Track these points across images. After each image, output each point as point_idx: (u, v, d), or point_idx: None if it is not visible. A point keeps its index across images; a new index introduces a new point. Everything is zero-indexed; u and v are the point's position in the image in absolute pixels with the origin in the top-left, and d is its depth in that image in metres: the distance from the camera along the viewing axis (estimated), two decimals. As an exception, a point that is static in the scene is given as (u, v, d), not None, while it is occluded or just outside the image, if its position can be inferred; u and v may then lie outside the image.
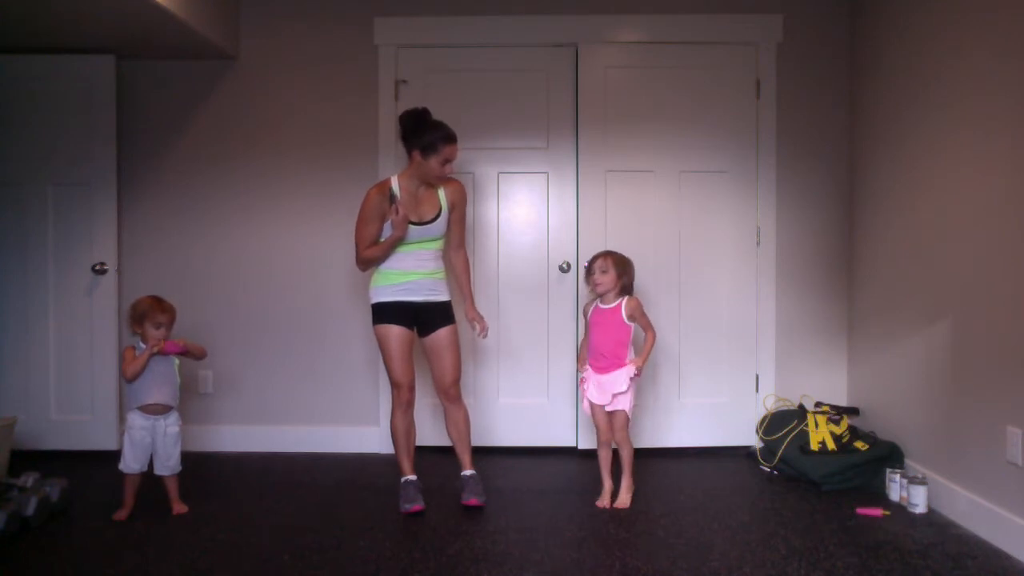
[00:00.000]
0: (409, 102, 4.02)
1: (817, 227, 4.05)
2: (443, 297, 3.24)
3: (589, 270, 3.28)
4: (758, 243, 4.05)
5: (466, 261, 3.39)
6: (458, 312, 3.33)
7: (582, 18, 4.02)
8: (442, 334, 3.21)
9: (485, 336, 3.39)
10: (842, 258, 4.05)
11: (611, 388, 3.18)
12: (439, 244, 3.25)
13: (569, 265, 4.05)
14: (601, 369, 3.21)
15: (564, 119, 4.05)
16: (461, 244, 3.36)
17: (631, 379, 3.17)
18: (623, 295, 3.24)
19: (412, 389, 3.24)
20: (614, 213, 4.04)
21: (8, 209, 3.97)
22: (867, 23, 3.84)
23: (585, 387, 3.28)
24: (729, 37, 4.00)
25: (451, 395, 3.24)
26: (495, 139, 4.07)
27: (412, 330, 3.22)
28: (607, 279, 3.21)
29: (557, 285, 4.08)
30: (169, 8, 3.32)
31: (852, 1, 3.98)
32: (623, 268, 3.25)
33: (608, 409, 3.22)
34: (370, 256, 3.16)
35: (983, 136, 2.87)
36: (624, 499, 3.21)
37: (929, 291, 3.23)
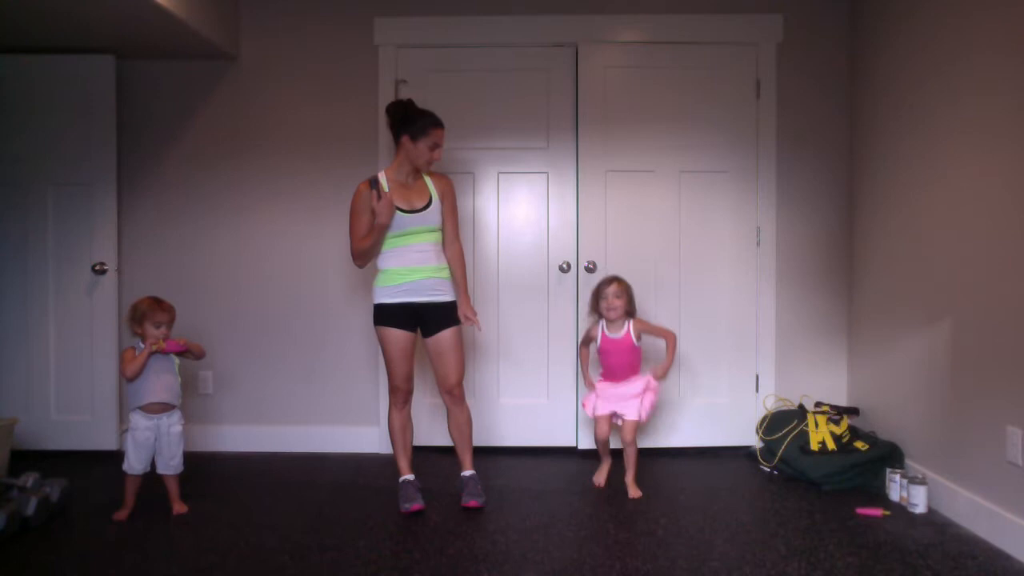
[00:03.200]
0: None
1: (817, 227, 4.05)
2: (447, 297, 3.22)
3: (600, 293, 3.41)
4: (758, 243, 4.05)
5: (461, 254, 3.32)
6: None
7: (582, 18, 4.02)
8: (446, 335, 3.19)
9: (479, 329, 3.60)
10: (842, 258, 4.05)
11: (628, 392, 3.38)
12: (439, 237, 3.24)
13: (569, 265, 4.05)
14: (616, 379, 3.43)
15: (564, 119, 4.06)
16: (456, 237, 3.32)
17: (653, 389, 3.40)
18: (627, 318, 3.42)
19: (410, 391, 3.25)
20: (614, 213, 4.04)
21: (8, 209, 3.97)
22: (867, 23, 3.84)
23: (593, 401, 3.46)
24: (729, 37, 4.00)
25: (455, 396, 3.23)
26: (495, 139, 4.07)
27: (414, 332, 3.21)
28: (621, 304, 3.38)
29: (557, 285, 4.08)
30: (169, 8, 3.32)
31: (852, 1, 3.98)
32: (631, 294, 3.43)
33: (624, 418, 3.39)
34: (362, 247, 3.15)
35: (983, 136, 2.87)
36: (635, 491, 3.34)
37: (929, 291, 3.23)
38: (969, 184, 2.96)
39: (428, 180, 3.24)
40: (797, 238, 4.06)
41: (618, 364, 3.40)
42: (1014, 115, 2.69)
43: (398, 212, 3.12)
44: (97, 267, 3.95)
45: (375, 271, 3.24)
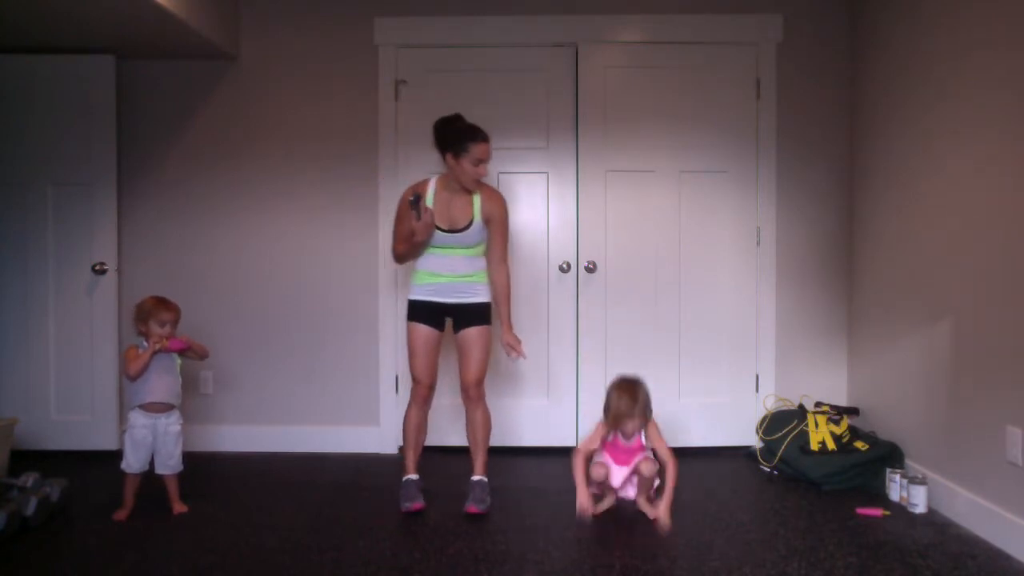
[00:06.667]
0: (409, 102, 4.04)
1: (817, 227, 4.05)
2: (478, 299, 3.21)
3: (618, 415, 2.97)
4: (758, 243, 4.05)
5: (507, 279, 3.24)
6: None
7: (582, 18, 4.02)
8: (471, 332, 3.20)
9: (523, 357, 3.29)
10: (842, 258, 4.05)
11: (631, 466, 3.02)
12: (476, 252, 3.23)
13: (569, 265, 4.05)
14: (621, 462, 3.04)
15: (564, 119, 4.05)
16: (502, 259, 3.23)
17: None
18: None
19: (431, 388, 3.24)
20: (614, 213, 4.04)
21: (8, 209, 3.97)
22: (867, 23, 3.84)
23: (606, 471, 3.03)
24: (729, 37, 4.00)
25: (471, 395, 3.23)
26: (495, 139, 3.97)
27: (440, 330, 3.22)
28: (637, 423, 2.99)
29: (557, 285, 4.08)
30: (169, 8, 3.32)
31: (852, 1, 3.98)
32: (648, 404, 3.01)
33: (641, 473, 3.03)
34: (399, 252, 3.24)
35: (983, 135, 2.87)
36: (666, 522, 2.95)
37: (929, 291, 3.23)
38: (969, 184, 2.96)
39: (476, 198, 3.19)
40: (797, 238, 4.06)
41: (622, 460, 3.03)
42: (1014, 114, 2.69)
43: (437, 231, 3.14)
44: (97, 267, 3.95)
45: (413, 268, 3.29)
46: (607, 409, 3.03)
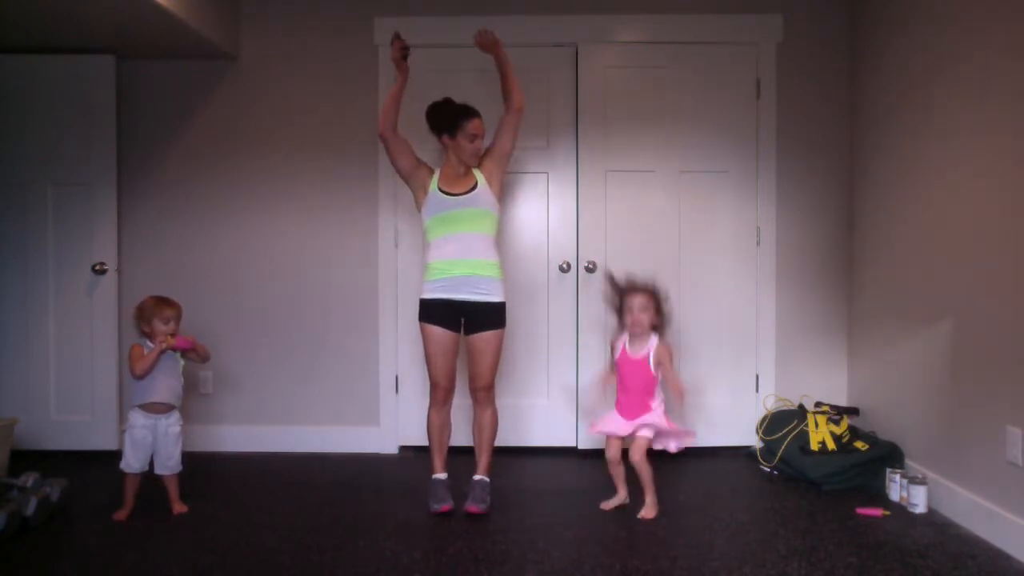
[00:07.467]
0: (408, 102, 4.03)
1: (817, 227, 4.05)
2: (492, 298, 3.14)
3: (625, 304, 3.10)
4: (758, 243, 4.05)
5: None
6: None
7: (582, 18, 4.02)
8: (484, 337, 3.14)
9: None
10: (842, 258, 4.05)
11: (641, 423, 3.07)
12: (489, 226, 3.16)
13: (569, 265, 4.05)
14: (627, 414, 3.10)
15: (564, 119, 4.05)
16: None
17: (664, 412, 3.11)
18: (653, 334, 3.11)
19: (450, 390, 3.22)
20: (614, 213, 4.04)
21: (8, 209, 3.97)
22: (867, 23, 3.84)
23: (605, 423, 3.16)
24: (729, 37, 4.00)
25: (479, 398, 3.21)
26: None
27: (456, 331, 3.16)
28: (647, 318, 3.08)
29: (557, 285, 4.08)
30: (169, 8, 3.32)
31: (852, 1, 3.98)
32: (660, 306, 3.11)
33: (630, 434, 3.10)
34: (384, 109, 3.19)
35: (983, 135, 2.87)
36: (650, 512, 3.08)
37: (929, 291, 3.23)
38: (970, 184, 2.96)
39: (476, 171, 3.21)
40: (797, 238, 4.06)
41: (632, 385, 3.10)
42: (1013, 115, 2.69)
43: (441, 194, 3.11)
44: (97, 267, 3.95)
45: (423, 266, 3.23)
46: (617, 306, 3.17)
